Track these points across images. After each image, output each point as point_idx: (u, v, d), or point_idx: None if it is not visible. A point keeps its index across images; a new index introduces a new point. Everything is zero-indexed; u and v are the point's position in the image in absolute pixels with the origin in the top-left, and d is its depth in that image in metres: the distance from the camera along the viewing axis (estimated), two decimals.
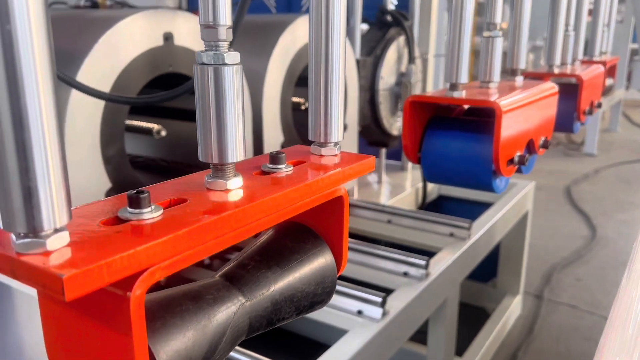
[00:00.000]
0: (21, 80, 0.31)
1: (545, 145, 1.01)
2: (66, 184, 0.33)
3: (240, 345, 0.81)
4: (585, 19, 1.59)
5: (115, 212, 0.38)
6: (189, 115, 1.72)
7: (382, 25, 2.36)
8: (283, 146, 1.85)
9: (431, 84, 2.65)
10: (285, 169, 0.50)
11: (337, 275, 0.55)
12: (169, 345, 0.37)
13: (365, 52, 2.27)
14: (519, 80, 1.07)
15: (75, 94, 1.17)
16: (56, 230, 0.32)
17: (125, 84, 1.27)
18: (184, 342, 0.39)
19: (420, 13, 2.52)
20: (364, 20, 2.41)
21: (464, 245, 1.88)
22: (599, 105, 1.54)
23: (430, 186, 2.71)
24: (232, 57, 0.42)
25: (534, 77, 1.35)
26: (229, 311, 0.44)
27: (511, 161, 0.88)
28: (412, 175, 2.77)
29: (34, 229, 0.31)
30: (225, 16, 0.42)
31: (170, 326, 0.39)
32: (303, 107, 2.04)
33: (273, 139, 1.81)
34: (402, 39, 2.38)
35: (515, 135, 0.87)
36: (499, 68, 0.96)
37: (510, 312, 2.65)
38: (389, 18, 2.36)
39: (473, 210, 2.50)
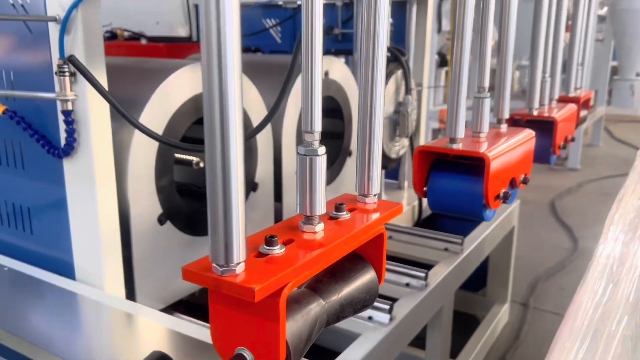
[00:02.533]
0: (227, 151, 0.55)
1: (524, 181, 1.27)
2: (245, 235, 0.57)
3: None
4: (559, 66, 1.86)
5: (256, 249, 0.62)
6: None
7: None
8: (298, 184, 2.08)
9: (425, 111, 2.92)
10: (345, 215, 0.75)
11: (379, 286, 0.79)
12: (290, 329, 0.62)
13: None
14: (504, 127, 1.33)
15: (137, 134, 1.40)
16: (238, 263, 0.56)
17: (175, 125, 1.51)
18: (297, 327, 0.63)
19: (415, 49, 2.79)
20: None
21: (457, 259, 2.13)
22: (573, 139, 1.81)
23: (425, 204, 2.97)
24: (321, 150, 0.67)
25: (517, 116, 1.61)
26: (316, 309, 0.68)
27: (497, 196, 1.14)
28: (408, 194, 3.03)
29: (227, 262, 0.55)
30: (319, 125, 0.66)
31: (288, 318, 0.63)
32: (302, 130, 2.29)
33: (290, 165, 2.05)
34: (399, 73, 2.64)
35: (500, 176, 1.13)
36: (487, 121, 1.22)
37: (499, 319, 2.90)
38: (388, 54, 2.62)
39: (463, 226, 2.75)
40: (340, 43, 3.19)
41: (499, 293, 2.96)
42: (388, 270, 1.99)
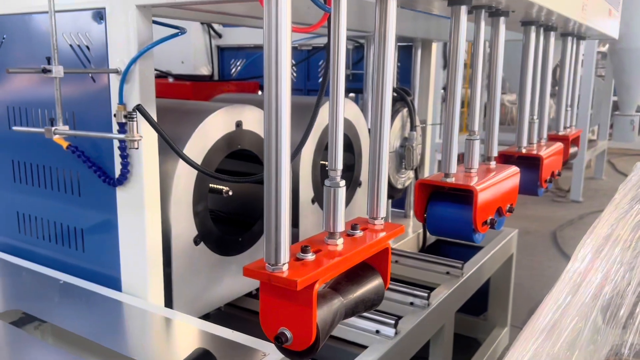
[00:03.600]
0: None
1: (510, 210, 1.49)
2: (289, 243, 0.80)
3: None
4: (547, 107, 2.10)
5: (294, 255, 0.85)
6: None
7: None
8: (313, 201, 2.31)
9: (429, 146, 3.16)
10: (359, 233, 0.98)
11: (385, 289, 1.02)
12: (319, 315, 0.84)
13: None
14: (493, 164, 1.56)
15: (180, 166, 1.65)
16: (284, 263, 0.79)
17: (211, 158, 1.75)
18: (324, 315, 0.85)
19: (420, 89, 3.05)
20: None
21: (458, 282, 2.34)
22: (559, 174, 2.03)
23: None
24: (342, 183, 0.90)
25: (506, 154, 1.84)
26: (337, 304, 0.91)
27: (485, 222, 1.36)
28: (413, 222, 3.24)
29: (276, 262, 0.78)
30: (340, 164, 0.90)
31: (318, 308, 0.85)
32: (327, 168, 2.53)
33: (306, 194, 2.28)
34: (405, 111, 2.89)
35: (487, 205, 1.35)
36: (477, 159, 1.45)
37: (499, 342, 3.08)
38: (395, 94, 2.88)
39: (466, 252, 2.95)
40: (352, 82, 3.45)
41: (499, 317, 3.14)
42: (395, 290, 2.19)
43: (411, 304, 2.12)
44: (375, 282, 0.99)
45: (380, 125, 0.99)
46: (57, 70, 1.32)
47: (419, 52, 3.11)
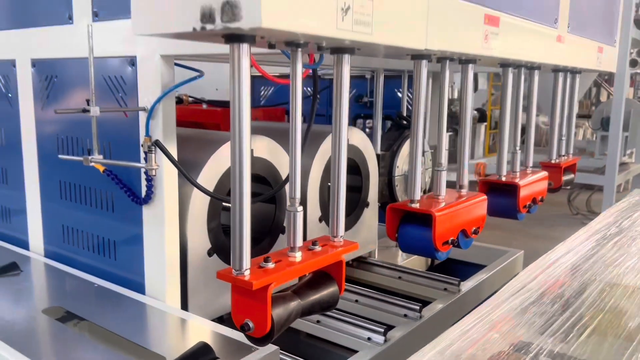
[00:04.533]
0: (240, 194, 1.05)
1: (476, 232, 1.70)
2: (249, 255, 1.06)
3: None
4: (532, 139, 2.29)
5: (258, 264, 1.10)
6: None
7: (399, 127, 3.11)
8: (320, 219, 2.56)
9: None
10: (317, 248, 1.23)
11: (339, 295, 1.26)
12: (275, 311, 1.09)
13: (384, 148, 3.02)
14: (464, 192, 1.78)
15: (196, 189, 1.93)
16: (245, 269, 1.05)
17: (224, 181, 2.03)
18: (280, 311, 1.10)
19: (431, 117, 3.27)
20: (384, 117, 3.18)
21: (453, 298, 2.53)
22: (542, 200, 2.21)
23: None
24: (300, 209, 1.15)
25: (488, 181, 2.05)
26: (294, 303, 1.16)
27: (446, 242, 1.57)
28: None
29: (240, 268, 1.04)
30: (299, 193, 1.15)
31: (276, 306, 1.11)
32: (288, 196, 2.77)
33: (313, 214, 2.53)
34: None
35: (448, 228, 1.57)
36: (445, 187, 1.67)
37: None
38: (404, 122, 3.11)
39: (474, 271, 3.13)
40: (369, 109, 3.71)
41: None
42: (391, 303, 2.41)
43: (405, 315, 2.33)
44: (331, 289, 1.22)
45: (337, 159, 1.24)
46: (94, 110, 1.63)
47: (430, 82, 3.33)
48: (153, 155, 1.60)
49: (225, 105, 3.98)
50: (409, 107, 3.41)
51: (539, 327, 1.14)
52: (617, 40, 2.75)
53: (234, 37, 0.97)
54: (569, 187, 7.81)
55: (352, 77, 1.45)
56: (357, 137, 2.75)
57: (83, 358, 1.57)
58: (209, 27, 0.89)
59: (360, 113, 3.73)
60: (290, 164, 1.16)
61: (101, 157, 1.72)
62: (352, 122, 3.76)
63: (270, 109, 4.00)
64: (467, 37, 1.46)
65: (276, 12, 0.85)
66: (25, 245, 2.50)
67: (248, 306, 1.06)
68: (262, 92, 4.40)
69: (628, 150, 8.49)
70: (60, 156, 1.95)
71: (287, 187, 1.98)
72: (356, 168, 2.79)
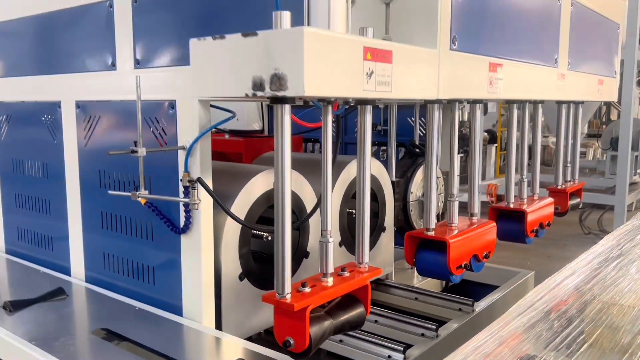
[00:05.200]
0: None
1: (486, 256, 1.86)
2: (290, 280, 1.23)
3: None
4: (538, 167, 2.45)
5: (297, 288, 1.28)
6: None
7: (412, 155, 3.28)
8: (340, 244, 2.73)
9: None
10: (346, 274, 1.40)
11: (366, 316, 1.43)
12: (312, 329, 1.26)
13: (399, 175, 3.19)
14: (475, 219, 1.94)
15: (229, 218, 2.12)
16: (287, 293, 1.22)
17: (254, 210, 2.22)
18: (316, 329, 1.28)
19: (443, 145, 3.44)
20: (397, 144, 3.36)
21: (468, 317, 2.67)
22: (548, 224, 2.37)
23: None
24: (331, 239, 1.33)
25: (496, 209, 2.21)
26: (327, 323, 1.33)
27: (460, 266, 1.73)
28: None
29: (282, 292, 1.22)
30: (330, 225, 1.33)
31: (313, 325, 1.28)
32: (354, 215, 2.95)
33: (334, 239, 2.70)
34: None
35: (461, 254, 1.73)
36: (457, 215, 1.84)
37: None
38: (417, 150, 3.29)
39: (486, 291, 3.27)
40: (383, 137, 3.89)
41: None
42: (408, 323, 2.56)
43: (422, 334, 2.48)
44: (358, 310, 1.39)
45: (362, 194, 1.42)
46: (142, 151, 1.83)
47: (441, 111, 3.51)
48: (196, 191, 1.79)
49: (246, 135, 4.19)
50: (421, 134, 3.59)
51: (544, 342, 1.30)
52: (617, 72, 2.92)
53: (278, 100, 1.16)
54: (580, 207, 7.89)
55: (348, 104, 1.63)
56: (373, 166, 2.92)
57: None
58: (259, 93, 1.08)
59: (375, 141, 3.92)
60: (322, 200, 1.34)
61: (147, 192, 1.91)
62: None
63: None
64: (474, 85, 1.64)
65: (316, 82, 1.04)
66: (66, 271, 2.70)
67: (289, 325, 1.23)
68: None
69: (638, 169, 8.57)
70: (110, 192, 2.15)
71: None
72: (373, 195, 2.97)
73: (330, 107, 1.34)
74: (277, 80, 1.03)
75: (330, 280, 1.32)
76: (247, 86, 1.10)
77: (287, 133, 1.22)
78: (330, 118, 1.37)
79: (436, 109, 1.71)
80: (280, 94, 1.05)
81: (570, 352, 1.24)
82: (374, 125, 4.00)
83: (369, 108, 1.43)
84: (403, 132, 3.68)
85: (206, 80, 1.19)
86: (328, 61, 1.09)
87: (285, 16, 1.12)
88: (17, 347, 1.90)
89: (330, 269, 1.33)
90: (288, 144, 1.23)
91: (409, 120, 3.83)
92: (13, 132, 2.94)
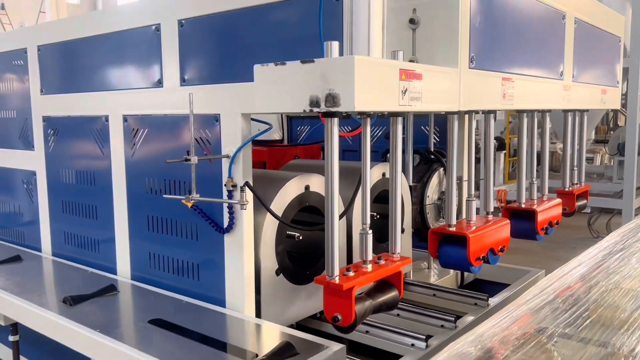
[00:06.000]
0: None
1: (502, 250, 2.08)
2: (338, 265, 1.46)
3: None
4: (547, 170, 2.68)
5: (342, 272, 1.51)
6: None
7: (428, 161, 3.51)
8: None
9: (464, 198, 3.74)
10: (382, 262, 1.63)
11: (399, 299, 1.66)
12: (356, 306, 1.49)
13: (416, 180, 3.42)
14: (490, 217, 2.17)
15: (267, 219, 2.35)
16: (336, 275, 1.45)
17: (288, 212, 2.45)
18: (359, 307, 1.51)
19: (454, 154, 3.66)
20: (414, 152, 3.59)
21: (483, 311, 2.88)
22: (557, 223, 2.59)
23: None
24: (370, 231, 1.56)
25: (509, 209, 2.43)
26: (367, 303, 1.56)
27: (478, 258, 1.96)
28: None
29: (332, 275, 1.45)
30: (368, 219, 1.56)
31: (357, 303, 1.51)
32: (376, 218, 3.17)
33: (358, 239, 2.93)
34: (441, 170, 3.51)
35: (479, 247, 1.95)
36: (475, 213, 2.06)
37: None
38: (432, 156, 3.52)
39: (499, 289, 3.47)
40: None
41: None
42: (429, 316, 2.77)
43: (442, 326, 2.69)
44: (393, 293, 1.61)
45: (394, 194, 1.65)
46: (194, 159, 2.08)
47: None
48: (244, 193, 2.03)
49: (269, 144, 4.44)
50: (435, 141, 3.81)
51: (553, 318, 1.51)
52: (620, 81, 3.14)
53: (330, 114, 1.40)
54: (589, 212, 8.04)
55: (382, 116, 1.86)
56: (389, 175, 3.16)
57: (192, 353, 1.97)
58: (315, 110, 1.32)
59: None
60: (362, 198, 1.57)
61: (198, 195, 2.15)
62: (384, 156, 4.17)
63: (308, 147, 4.44)
64: (490, 98, 1.88)
65: (363, 100, 1.28)
66: (112, 270, 2.94)
67: (337, 303, 1.45)
68: (299, 130, 4.86)
69: None
70: (165, 196, 2.39)
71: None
72: None
73: (369, 120, 1.58)
74: (332, 98, 1.27)
75: (369, 267, 1.55)
76: (304, 103, 1.34)
77: (336, 139, 1.46)
78: (369, 129, 1.60)
79: (456, 119, 1.94)
80: (333, 109, 1.29)
81: (576, 325, 1.46)
82: (389, 134, 4.23)
83: (399, 119, 1.66)
84: (417, 140, 3.90)
85: (268, 98, 1.43)
86: (372, 82, 1.33)
87: (335, 45, 1.36)
88: (84, 334, 2.14)
89: (370, 257, 1.55)
90: (337, 148, 1.46)
91: (423, 128, 4.05)
92: (60, 145, 3.20)
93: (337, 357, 1.84)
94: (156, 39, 2.54)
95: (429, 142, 3.74)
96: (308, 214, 2.69)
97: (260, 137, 4.75)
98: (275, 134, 4.74)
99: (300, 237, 2.62)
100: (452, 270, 3.64)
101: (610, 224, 7.87)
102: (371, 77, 1.32)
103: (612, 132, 10.92)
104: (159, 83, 2.56)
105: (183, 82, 2.46)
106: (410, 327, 2.75)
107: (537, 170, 2.67)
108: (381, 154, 4.16)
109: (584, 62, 2.70)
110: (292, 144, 4.70)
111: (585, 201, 3.09)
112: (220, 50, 2.32)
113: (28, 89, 3.32)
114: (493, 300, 3.01)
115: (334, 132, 1.43)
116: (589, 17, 2.77)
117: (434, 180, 3.49)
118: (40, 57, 3.21)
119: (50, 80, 3.19)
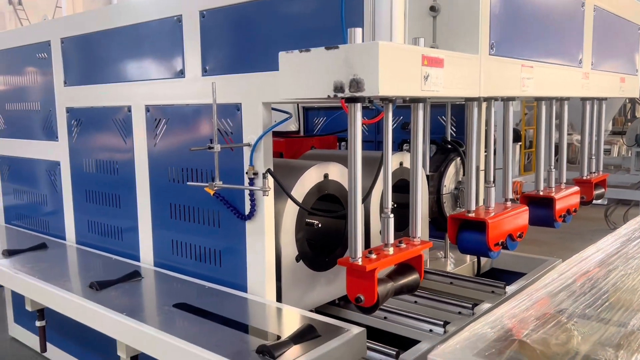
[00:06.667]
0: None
1: (520, 236, 2.11)
2: (362, 248, 1.50)
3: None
4: (565, 159, 2.68)
5: (365, 255, 1.55)
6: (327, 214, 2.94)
7: (445, 151, 3.53)
8: (381, 232, 2.98)
9: (482, 188, 3.75)
10: (403, 245, 1.67)
11: (420, 281, 1.69)
12: (379, 288, 1.53)
13: (432, 169, 3.44)
14: (509, 204, 2.19)
15: (287, 205, 2.40)
16: (359, 257, 1.49)
17: (307, 200, 2.50)
18: (381, 289, 1.54)
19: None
20: (431, 142, 3.61)
21: (500, 298, 2.90)
22: (575, 211, 2.60)
23: (484, 261, 3.74)
24: (391, 215, 1.60)
25: (527, 196, 2.45)
26: (389, 285, 1.60)
27: (497, 244, 1.98)
28: None
29: (355, 257, 1.49)
30: (390, 204, 1.60)
31: (379, 285, 1.55)
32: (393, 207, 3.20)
33: (376, 227, 2.96)
34: (458, 159, 3.53)
35: (498, 232, 1.98)
36: (494, 200, 2.09)
37: None
38: (449, 146, 3.53)
39: (516, 277, 3.49)
40: None
41: None
42: (447, 303, 2.81)
43: (459, 312, 2.72)
44: (414, 276, 1.65)
45: (415, 182, 1.68)
46: (217, 147, 2.13)
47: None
48: (267, 180, 2.08)
49: (286, 134, 4.49)
50: (452, 132, 3.82)
51: (573, 299, 1.54)
52: (638, 70, 3.13)
53: (353, 100, 1.43)
54: (606, 204, 7.98)
55: (399, 107, 1.89)
56: (408, 160, 3.18)
57: (216, 335, 2.02)
58: (339, 95, 1.35)
59: (407, 138, 4.16)
60: (384, 182, 1.61)
61: (221, 182, 2.20)
62: (400, 146, 4.20)
63: (325, 137, 4.47)
64: (510, 84, 1.89)
65: (387, 85, 1.31)
66: (135, 257, 3.01)
67: (360, 284, 1.49)
68: (315, 122, 4.90)
69: None
70: (188, 183, 2.45)
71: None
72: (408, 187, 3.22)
73: (391, 105, 1.61)
74: (356, 84, 1.30)
75: (391, 250, 1.58)
76: (329, 89, 1.37)
77: (359, 125, 1.49)
78: (390, 115, 1.63)
79: (475, 106, 1.96)
80: (357, 94, 1.32)
81: (595, 307, 1.48)
82: (406, 124, 4.24)
83: (420, 105, 1.69)
84: (434, 131, 3.91)
85: (292, 85, 1.46)
86: (395, 67, 1.35)
87: (358, 32, 1.39)
88: (111, 317, 2.21)
89: (391, 240, 1.59)
90: (359, 134, 1.49)
91: (440, 119, 4.06)
92: (83, 135, 3.27)
93: (358, 340, 1.89)
94: (178, 29, 2.59)
95: (446, 131, 3.75)
96: (326, 203, 2.73)
97: (277, 129, 4.81)
98: (292, 126, 4.78)
99: (319, 225, 2.67)
100: (468, 259, 3.67)
101: (628, 215, 7.81)
102: (394, 63, 1.35)
103: (629, 124, 10.81)
104: (181, 73, 2.61)
105: (205, 72, 2.51)
106: (428, 313, 2.79)
107: (555, 162, 2.68)
108: (397, 144, 4.18)
109: (602, 50, 2.70)
110: (308, 134, 4.74)
111: (603, 190, 3.09)
112: (241, 40, 2.36)
113: (52, 80, 3.39)
114: (510, 289, 3.03)
115: (357, 117, 1.46)
116: (608, 4, 2.77)
117: (451, 169, 3.51)
118: (64, 49, 3.28)
119: (74, 72, 3.26)
